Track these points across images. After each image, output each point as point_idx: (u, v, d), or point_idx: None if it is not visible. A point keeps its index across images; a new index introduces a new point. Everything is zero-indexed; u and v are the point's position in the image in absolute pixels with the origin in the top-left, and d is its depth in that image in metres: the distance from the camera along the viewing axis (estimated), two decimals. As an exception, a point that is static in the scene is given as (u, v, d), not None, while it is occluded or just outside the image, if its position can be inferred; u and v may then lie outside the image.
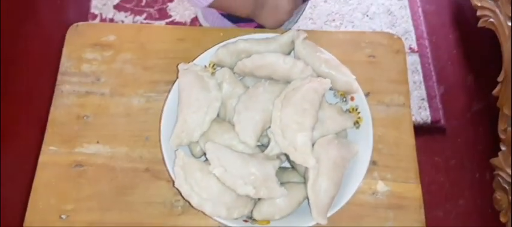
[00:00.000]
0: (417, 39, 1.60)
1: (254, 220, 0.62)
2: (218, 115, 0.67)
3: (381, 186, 0.68)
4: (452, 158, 1.42)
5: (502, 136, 1.23)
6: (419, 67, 1.54)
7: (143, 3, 1.66)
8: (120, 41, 0.80)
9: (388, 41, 0.79)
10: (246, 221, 0.62)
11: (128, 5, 1.66)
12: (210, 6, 0.77)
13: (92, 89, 0.76)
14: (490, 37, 1.29)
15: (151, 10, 1.65)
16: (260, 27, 0.83)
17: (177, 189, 0.61)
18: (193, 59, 0.71)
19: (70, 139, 0.72)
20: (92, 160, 0.71)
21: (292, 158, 0.62)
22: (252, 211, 0.62)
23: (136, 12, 1.64)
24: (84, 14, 1.63)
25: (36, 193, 0.69)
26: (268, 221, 0.62)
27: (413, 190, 0.68)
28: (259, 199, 0.62)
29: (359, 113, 0.68)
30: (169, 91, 0.69)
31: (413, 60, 1.55)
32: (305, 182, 0.62)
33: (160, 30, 0.87)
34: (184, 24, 1.62)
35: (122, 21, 1.63)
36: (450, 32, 1.63)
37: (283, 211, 0.62)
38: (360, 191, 0.66)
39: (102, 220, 0.67)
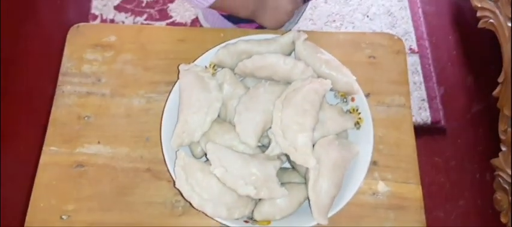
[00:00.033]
0: (417, 40, 1.60)
1: (255, 220, 0.62)
2: (219, 116, 0.67)
3: (381, 186, 0.68)
4: (453, 158, 1.43)
5: (502, 137, 1.24)
6: (419, 68, 1.55)
7: (144, 4, 1.66)
8: (121, 42, 0.80)
9: (388, 41, 0.80)
10: (246, 221, 0.62)
11: (128, 6, 1.66)
12: (211, 7, 0.77)
13: (92, 90, 0.76)
14: (490, 38, 1.30)
15: (151, 11, 1.65)
16: (261, 28, 0.83)
17: (178, 189, 0.62)
18: (194, 60, 0.71)
19: (71, 139, 0.72)
20: (93, 160, 0.71)
21: (292, 158, 0.62)
22: (252, 211, 0.62)
23: (136, 13, 1.64)
24: (85, 14, 1.64)
25: (37, 193, 0.69)
26: (269, 222, 0.62)
27: (413, 191, 0.68)
28: (259, 199, 0.62)
29: (359, 113, 0.68)
30: (170, 92, 0.70)
31: (413, 61, 1.56)
32: (306, 183, 0.62)
33: (161, 31, 0.88)
34: (184, 25, 1.62)
35: (123, 22, 1.63)
36: (450, 33, 1.63)
37: (284, 212, 0.62)
38: (361, 191, 0.66)
39: (103, 220, 0.67)
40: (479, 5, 1.31)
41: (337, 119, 0.66)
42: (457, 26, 1.64)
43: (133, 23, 1.62)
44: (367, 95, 0.73)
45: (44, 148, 0.72)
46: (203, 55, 0.72)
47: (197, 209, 0.61)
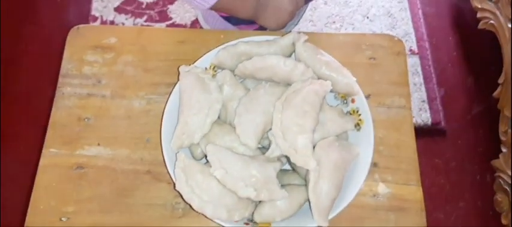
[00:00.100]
0: (417, 41, 1.60)
1: (255, 222, 0.62)
2: (219, 117, 0.67)
3: (381, 188, 0.68)
4: (453, 160, 1.42)
5: (502, 138, 1.24)
6: (419, 69, 1.55)
7: (144, 6, 1.66)
8: (121, 44, 0.80)
9: (388, 43, 0.79)
10: (247, 224, 0.62)
11: (128, 8, 1.66)
12: (212, 8, 0.77)
13: (92, 91, 0.76)
14: (490, 39, 1.30)
15: (151, 12, 1.65)
16: (262, 29, 0.83)
17: (178, 191, 0.62)
18: (194, 61, 0.71)
19: (71, 141, 0.72)
20: (93, 162, 0.71)
21: (293, 160, 0.62)
22: (252, 213, 0.62)
23: (136, 15, 1.65)
24: (85, 16, 1.64)
25: (36, 194, 0.69)
26: (269, 224, 0.62)
27: (414, 192, 0.68)
28: (260, 201, 0.62)
29: (360, 115, 0.68)
30: (170, 93, 0.69)
31: (413, 62, 1.56)
32: (306, 185, 0.62)
33: (161, 32, 0.88)
34: (184, 26, 1.62)
35: (123, 24, 1.63)
36: (450, 34, 1.63)
37: (284, 214, 0.62)
38: (361, 193, 0.66)
39: (103, 222, 0.67)
40: (479, 6, 1.31)
41: (338, 121, 0.66)
42: (457, 27, 1.64)
43: (134, 24, 1.62)
44: (367, 97, 0.73)
45: (43, 150, 0.72)
46: (203, 56, 0.71)
47: (197, 211, 0.61)
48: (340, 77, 0.68)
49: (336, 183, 0.61)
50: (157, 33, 0.85)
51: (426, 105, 1.48)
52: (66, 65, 0.78)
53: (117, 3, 1.67)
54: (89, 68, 0.78)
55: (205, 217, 0.61)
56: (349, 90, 0.68)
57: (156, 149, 0.70)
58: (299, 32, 0.71)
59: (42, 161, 0.71)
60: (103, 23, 1.62)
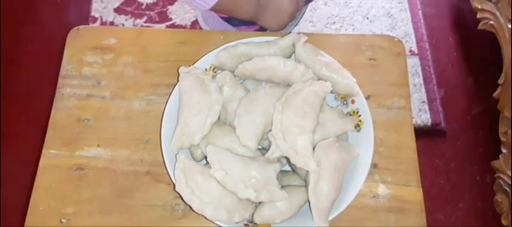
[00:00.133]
0: (417, 42, 1.60)
1: (255, 223, 0.62)
2: (219, 118, 0.67)
3: (382, 189, 0.68)
4: (453, 160, 1.42)
5: (502, 139, 1.24)
6: (419, 70, 1.55)
7: (143, 6, 1.66)
8: (121, 44, 0.80)
9: (388, 43, 0.79)
10: (247, 225, 0.62)
11: (128, 8, 1.66)
12: (212, 9, 0.77)
13: (92, 92, 0.76)
14: (490, 40, 1.30)
15: (151, 13, 1.65)
16: (262, 30, 0.83)
17: (178, 192, 0.61)
18: (194, 62, 0.71)
19: (71, 142, 0.72)
20: (93, 163, 0.70)
21: (293, 161, 0.61)
22: (253, 214, 0.62)
23: (136, 16, 1.65)
24: (85, 17, 1.64)
25: (36, 196, 0.69)
26: (269, 225, 0.62)
27: (414, 193, 0.68)
28: (260, 202, 0.62)
29: (360, 116, 0.68)
30: (170, 94, 0.69)
31: (413, 63, 1.56)
32: (306, 186, 0.62)
33: (161, 33, 0.88)
34: (184, 27, 1.62)
35: (123, 25, 1.63)
36: (450, 35, 1.63)
37: (284, 215, 0.62)
38: (361, 194, 0.66)
39: (103, 223, 0.67)
40: (479, 7, 1.31)
41: (338, 122, 0.66)
42: (457, 28, 1.64)
43: (133, 25, 1.62)
44: (367, 98, 0.72)
45: (43, 151, 0.71)
46: (203, 57, 0.71)
47: (197, 213, 0.61)
48: (340, 78, 0.68)
49: (336, 184, 0.61)
50: (157, 34, 0.85)
51: (426, 106, 1.48)
52: (65, 66, 0.78)
53: (117, 4, 1.67)
54: (89, 69, 0.78)
55: (205, 218, 0.61)
56: (349, 91, 0.68)
57: (155, 150, 0.70)
58: (299, 33, 0.71)
59: (42, 162, 0.71)
60: (103, 23, 1.62)
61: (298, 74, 0.66)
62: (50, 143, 0.72)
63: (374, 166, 0.69)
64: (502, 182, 1.23)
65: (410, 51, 1.58)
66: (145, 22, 1.63)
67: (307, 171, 0.62)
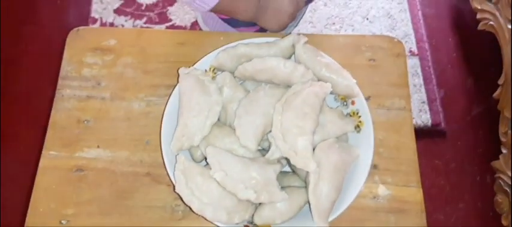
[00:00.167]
0: (417, 43, 1.60)
1: (255, 224, 0.62)
2: (219, 119, 0.67)
3: (382, 190, 0.68)
4: (453, 161, 1.42)
5: (502, 139, 1.24)
6: (419, 70, 1.55)
7: (143, 7, 1.66)
8: (121, 45, 0.80)
9: (388, 44, 0.79)
10: (247, 226, 0.62)
11: (128, 9, 1.66)
12: (212, 10, 0.77)
13: (92, 94, 0.76)
14: (490, 40, 1.30)
15: (151, 14, 1.65)
16: (262, 31, 0.83)
17: (178, 194, 0.61)
18: (194, 63, 0.71)
19: (70, 143, 0.72)
20: (93, 164, 0.70)
21: (293, 162, 0.61)
22: (253, 215, 0.62)
23: (136, 16, 1.65)
24: (85, 18, 1.64)
25: (36, 197, 0.69)
26: (269, 226, 0.62)
27: (414, 194, 0.68)
28: (260, 203, 0.62)
29: (360, 117, 0.68)
30: (169, 95, 0.69)
31: (413, 64, 1.55)
32: (306, 187, 0.62)
33: (161, 34, 0.87)
34: (184, 28, 1.62)
35: (122, 25, 1.63)
36: (450, 35, 1.63)
37: (284, 216, 0.61)
38: (361, 195, 0.66)
39: (103, 224, 0.67)
40: (479, 7, 1.31)
41: (338, 123, 0.66)
42: (457, 28, 1.64)
43: (133, 26, 1.62)
44: (367, 98, 0.72)
45: (43, 152, 0.71)
46: (203, 58, 0.71)
47: (197, 214, 0.61)
48: (340, 79, 0.68)
49: (336, 185, 0.61)
50: (157, 35, 0.85)
51: (426, 107, 1.48)
52: (65, 67, 0.78)
53: (116, 5, 1.67)
54: (89, 70, 0.78)
55: (205, 219, 0.61)
56: (349, 92, 0.68)
57: (155, 151, 0.70)
58: (299, 34, 0.71)
59: (42, 163, 0.71)
60: (103, 24, 1.62)
61: (298, 75, 0.66)
62: (50, 144, 0.72)
63: (374, 166, 0.69)
64: (502, 183, 1.23)
65: (410, 51, 1.58)
66: (145, 23, 1.63)
67: (307, 172, 0.61)
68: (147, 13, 1.65)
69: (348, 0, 1.67)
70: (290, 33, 0.78)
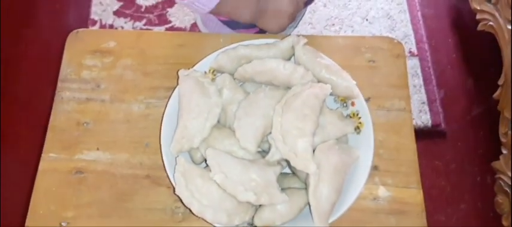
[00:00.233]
0: (417, 43, 1.60)
1: (255, 226, 0.62)
2: (218, 121, 0.67)
3: (382, 191, 0.68)
4: (453, 161, 1.42)
5: (503, 139, 1.23)
6: (419, 71, 1.55)
7: (143, 9, 1.66)
8: (120, 47, 0.80)
9: (388, 45, 0.79)
10: (247, 227, 0.62)
11: (127, 11, 1.66)
12: (212, 12, 0.77)
13: (92, 96, 0.76)
14: (490, 40, 1.30)
15: (150, 16, 1.65)
16: (261, 32, 0.83)
17: (178, 196, 0.61)
18: (194, 65, 0.71)
19: (70, 146, 0.72)
20: (92, 166, 0.70)
21: (293, 164, 0.61)
22: (253, 217, 0.62)
23: (136, 18, 1.65)
24: (84, 20, 1.64)
25: (36, 199, 0.68)
26: (269, 228, 0.62)
27: (414, 195, 0.68)
28: (260, 205, 0.61)
29: (360, 118, 0.68)
30: (169, 97, 0.69)
31: (413, 64, 1.56)
32: (306, 188, 0.62)
33: (160, 36, 0.87)
34: (184, 29, 1.62)
35: (122, 27, 1.63)
36: (450, 36, 1.63)
37: (285, 217, 0.61)
38: (361, 196, 0.66)
39: (103, 226, 0.67)
40: (478, 8, 1.31)
41: (337, 124, 0.66)
42: (457, 29, 1.64)
43: (133, 28, 1.62)
44: (367, 100, 0.72)
45: (43, 155, 0.71)
46: (203, 60, 0.71)
47: (197, 216, 0.60)
48: (339, 80, 0.67)
49: (336, 187, 0.61)
50: (157, 36, 0.85)
51: (426, 107, 1.48)
52: (65, 70, 0.78)
53: (116, 7, 1.67)
54: (88, 73, 0.78)
55: (205, 221, 0.60)
56: (349, 93, 0.68)
57: (155, 154, 0.70)
58: (298, 35, 0.71)
59: (42, 166, 0.71)
60: (102, 26, 1.62)
61: (298, 77, 0.66)
62: (50, 147, 0.72)
63: (374, 168, 0.69)
64: (502, 183, 1.23)
65: (410, 52, 1.58)
66: (144, 25, 1.63)
67: (307, 174, 0.61)
68: (146, 15, 1.65)
69: (348, 1, 1.67)
70: (289, 34, 0.78)
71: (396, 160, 0.70)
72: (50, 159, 0.71)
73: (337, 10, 1.66)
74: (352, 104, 0.69)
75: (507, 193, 1.21)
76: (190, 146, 0.65)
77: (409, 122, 0.73)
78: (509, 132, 1.20)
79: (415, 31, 1.62)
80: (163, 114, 0.68)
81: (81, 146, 0.72)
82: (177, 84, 0.69)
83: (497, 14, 1.25)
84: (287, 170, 0.67)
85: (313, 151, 0.62)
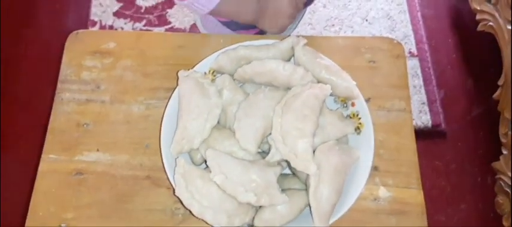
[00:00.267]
0: (417, 44, 1.60)
1: (255, 227, 0.62)
2: (218, 122, 0.67)
3: (382, 192, 0.68)
4: (453, 162, 1.42)
5: (503, 140, 1.23)
6: (419, 71, 1.54)
7: (142, 10, 1.66)
8: (120, 48, 0.80)
9: (388, 46, 0.79)
10: (247, 228, 0.62)
11: (127, 12, 1.66)
12: (212, 13, 0.77)
13: (91, 97, 0.76)
14: (490, 41, 1.30)
15: (150, 17, 1.65)
16: (261, 33, 0.83)
17: (178, 197, 0.61)
18: (193, 66, 0.71)
19: (70, 147, 0.72)
20: (92, 167, 0.70)
21: (293, 164, 0.61)
22: (253, 218, 0.62)
23: (135, 19, 1.65)
24: (84, 21, 1.64)
25: (36, 201, 0.68)
26: (269, 229, 0.62)
27: (415, 196, 0.68)
28: (260, 206, 0.61)
29: (360, 118, 0.68)
30: (169, 98, 0.69)
31: (413, 65, 1.55)
32: (306, 189, 0.62)
33: (160, 37, 0.87)
34: (183, 30, 1.62)
35: (122, 28, 1.63)
36: (450, 36, 1.63)
37: (285, 218, 0.61)
38: (362, 197, 0.66)
39: (103, 228, 0.67)
40: (478, 8, 1.31)
41: (338, 124, 0.66)
42: (457, 29, 1.64)
43: (132, 28, 1.62)
44: (367, 100, 0.72)
45: (42, 156, 0.71)
46: (202, 61, 0.71)
47: (197, 217, 0.60)
48: (339, 80, 0.67)
49: (337, 187, 0.61)
50: (156, 37, 0.85)
51: (426, 108, 1.48)
52: (65, 71, 0.78)
53: (116, 8, 1.67)
54: (88, 74, 0.78)
55: (206, 222, 0.60)
56: (349, 93, 0.68)
57: (155, 155, 0.70)
58: (298, 36, 0.71)
59: (41, 167, 0.71)
60: (102, 27, 1.62)
61: (298, 77, 0.66)
62: (49, 148, 0.72)
63: (374, 168, 0.69)
64: (502, 184, 1.23)
65: (410, 52, 1.58)
66: (144, 26, 1.63)
67: (308, 174, 0.61)
68: (146, 16, 1.65)
69: (347, 1, 1.67)
70: (289, 35, 0.78)
71: (396, 160, 0.70)
72: (50, 160, 0.71)
73: (337, 11, 1.66)
74: (352, 104, 0.69)
75: (507, 194, 1.21)
76: (190, 147, 0.65)
77: (409, 123, 0.73)
78: (510, 132, 1.20)
79: (415, 31, 1.62)
80: (163, 115, 0.68)
81: (81, 147, 0.72)
82: (177, 85, 0.69)
83: (497, 15, 1.25)
84: (287, 171, 0.67)
85: (314, 151, 0.62)
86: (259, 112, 0.65)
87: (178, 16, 1.65)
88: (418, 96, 1.50)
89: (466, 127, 1.48)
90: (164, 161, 0.65)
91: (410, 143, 0.71)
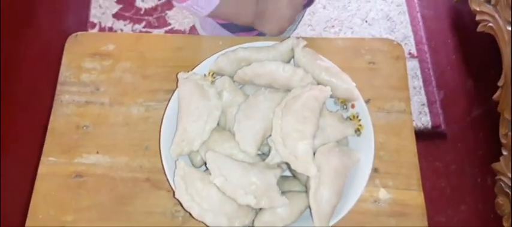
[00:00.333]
0: (416, 45, 1.60)
1: (255, 229, 0.62)
2: (218, 124, 0.67)
3: (382, 194, 0.68)
4: (453, 163, 1.42)
5: (503, 141, 1.23)
6: (419, 72, 1.54)
7: (142, 12, 1.66)
8: (120, 50, 0.80)
9: (388, 47, 0.79)
10: (247, 231, 0.62)
11: (126, 14, 1.66)
12: (211, 15, 0.77)
13: (91, 99, 0.76)
14: (489, 42, 1.29)
15: (150, 18, 1.65)
16: (261, 35, 0.83)
17: (178, 199, 0.61)
18: (193, 68, 0.71)
19: (69, 149, 0.72)
20: (92, 170, 0.70)
21: (293, 167, 0.61)
22: (253, 220, 0.62)
23: (135, 21, 1.65)
24: (83, 22, 1.64)
25: (35, 203, 0.68)
26: (269, 231, 0.62)
27: (415, 197, 0.68)
28: (260, 208, 0.61)
29: (360, 120, 0.68)
30: (169, 100, 0.69)
31: (412, 66, 1.55)
32: (306, 191, 0.62)
33: (160, 38, 0.87)
34: (183, 32, 1.62)
35: (121, 30, 1.63)
36: (449, 37, 1.63)
37: (285, 221, 0.61)
38: (362, 199, 0.65)
39: (102, 230, 0.66)
40: (478, 9, 1.31)
41: (338, 126, 0.66)
42: (456, 30, 1.64)
43: (132, 30, 1.62)
44: (367, 101, 0.72)
45: (42, 158, 0.71)
46: (202, 63, 0.71)
47: (197, 219, 0.60)
48: (339, 82, 0.67)
49: (337, 189, 0.61)
50: (156, 39, 0.85)
51: (426, 109, 1.48)
52: (64, 73, 0.78)
53: (115, 10, 1.67)
54: (87, 76, 0.77)
55: (205, 225, 0.60)
56: (349, 95, 0.68)
57: (155, 157, 0.70)
58: (298, 38, 0.71)
59: (41, 170, 0.70)
60: (101, 29, 1.62)
61: (298, 79, 0.66)
62: (49, 151, 0.72)
63: (375, 170, 0.69)
64: (503, 185, 1.22)
65: (410, 53, 1.58)
66: (144, 27, 1.63)
67: (308, 176, 0.61)
68: (146, 17, 1.65)
69: (347, 3, 1.67)
70: (289, 36, 0.78)
71: (397, 161, 0.70)
72: (50, 163, 0.71)
73: (337, 12, 1.66)
74: (352, 106, 0.69)
75: (507, 194, 1.21)
76: (190, 149, 0.65)
77: (409, 124, 0.73)
78: (509, 133, 1.20)
79: (415, 33, 1.62)
80: (162, 117, 0.68)
81: (81, 149, 0.72)
82: (177, 87, 0.69)
83: (496, 15, 1.25)
84: (287, 173, 0.67)
85: (314, 153, 0.62)
86: (259, 114, 0.64)
87: (177, 18, 1.65)
88: (418, 98, 1.50)
89: (466, 128, 1.48)
90: (164, 163, 0.64)
91: (410, 145, 0.71)
